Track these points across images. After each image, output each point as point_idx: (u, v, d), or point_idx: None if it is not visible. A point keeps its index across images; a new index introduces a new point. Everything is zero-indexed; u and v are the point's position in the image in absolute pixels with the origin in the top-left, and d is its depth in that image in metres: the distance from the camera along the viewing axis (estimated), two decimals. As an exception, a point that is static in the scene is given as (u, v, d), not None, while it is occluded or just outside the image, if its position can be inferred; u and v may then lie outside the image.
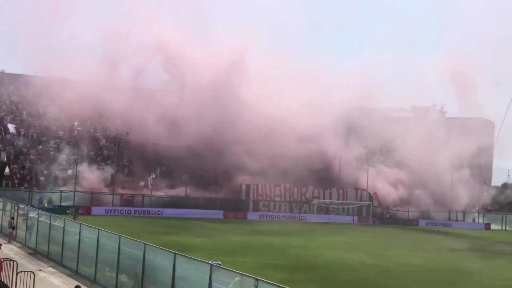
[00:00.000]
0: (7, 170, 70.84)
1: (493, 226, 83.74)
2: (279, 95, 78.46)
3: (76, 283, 25.56)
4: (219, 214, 69.97)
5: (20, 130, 71.88)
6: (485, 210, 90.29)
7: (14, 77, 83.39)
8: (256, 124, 73.10)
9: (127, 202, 68.87)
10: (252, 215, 72.89)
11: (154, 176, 71.52)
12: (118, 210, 65.64)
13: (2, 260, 22.06)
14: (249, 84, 77.30)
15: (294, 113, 76.71)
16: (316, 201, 78.40)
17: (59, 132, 76.59)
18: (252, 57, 78.58)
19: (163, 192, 71.75)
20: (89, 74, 77.52)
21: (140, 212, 66.53)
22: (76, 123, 77.40)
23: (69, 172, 68.32)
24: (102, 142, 78.09)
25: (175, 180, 73.39)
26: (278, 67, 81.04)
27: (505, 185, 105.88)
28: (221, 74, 75.35)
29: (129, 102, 74.29)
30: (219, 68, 76.04)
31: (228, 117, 73.50)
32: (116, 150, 71.52)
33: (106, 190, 68.43)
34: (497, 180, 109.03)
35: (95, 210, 63.26)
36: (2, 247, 25.63)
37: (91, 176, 68.67)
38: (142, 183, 72.66)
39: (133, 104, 74.36)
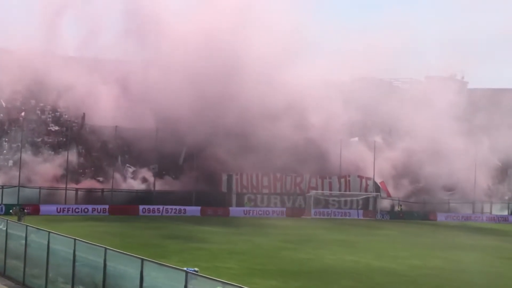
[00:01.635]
0: None
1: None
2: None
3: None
4: (195, 211, 69.98)
5: None
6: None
7: None
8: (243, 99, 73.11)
9: (84, 199, 68.66)
10: (235, 211, 73.06)
11: (128, 167, 71.72)
12: (72, 208, 65.50)
13: None
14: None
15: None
16: (312, 192, 78.52)
17: (-1, 114, 76.25)
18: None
19: (127, 186, 71.67)
20: (32, 41, 77.20)
21: (99, 211, 66.28)
22: (18, 103, 77.00)
23: (11, 162, 67.99)
24: (52, 126, 77.55)
25: (141, 171, 73.35)
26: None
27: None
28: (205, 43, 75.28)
29: (83, 75, 73.93)
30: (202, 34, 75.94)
31: (211, 94, 73.22)
32: (70, 136, 71.20)
33: (58, 184, 68.17)
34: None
35: (44, 208, 63.10)
36: None
37: (40, 167, 68.49)
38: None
39: (88, 79, 73.95)
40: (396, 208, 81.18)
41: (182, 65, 74.44)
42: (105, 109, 72.48)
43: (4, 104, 76.63)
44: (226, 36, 76.59)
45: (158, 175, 72.26)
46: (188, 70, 73.80)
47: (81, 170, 72.79)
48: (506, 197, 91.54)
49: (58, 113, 79.60)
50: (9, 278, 29.71)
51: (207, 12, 79.80)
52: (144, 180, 72.70)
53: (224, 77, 73.96)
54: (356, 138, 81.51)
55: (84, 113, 76.31)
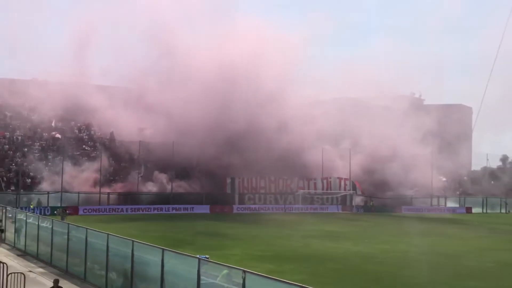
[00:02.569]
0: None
1: (474, 210, 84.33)
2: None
3: (68, 283, 25.46)
4: (205, 209, 69.89)
5: (5, 133, 71.40)
6: (466, 194, 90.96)
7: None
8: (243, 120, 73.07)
9: (116, 200, 68.69)
10: (238, 208, 72.92)
11: (141, 173, 71.61)
12: (106, 208, 65.43)
13: (-9, 263, 21.93)
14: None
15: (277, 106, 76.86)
16: (300, 191, 78.54)
17: (44, 134, 76.25)
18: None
19: (149, 189, 71.67)
20: (67, 73, 77.35)
21: (129, 210, 66.14)
22: (59, 124, 77.11)
23: (55, 173, 68.01)
24: (87, 141, 77.82)
25: (161, 177, 73.33)
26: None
27: (484, 169, 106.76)
28: (220, 71, 74.89)
29: (111, 99, 74.04)
30: (215, 63, 75.60)
31: (219, 116, 73.08)
32: (102, 149, 71.32)
33: (93, 189, 68.10)
34: (477, 164, 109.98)
35: (82, 209, 63.03)
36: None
37: (78, 176, 68.51)
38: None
39: (115, 103, 74.06)
40: (368, 203, 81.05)
41: (197, 91, 74.00)
42: (130, 128, 72.57)
43: (50, 125, 76.83)
44: (240, 65, 76.37)
45: (174, 180, 72.13)
46: (202, 97, 73.39)
47: (112, 177, 72.77)
48: (458, 192, 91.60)
49: (92, 131, 79.66)
50: (55, 266, 29.61)
51: (224, 45, 79.74)
52: (163, 184, 72.59)
53: (229, 102, 73.73)
54: (328, 146, 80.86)
55: (112, 131, 76.57)
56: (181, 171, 73.36)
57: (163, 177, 73.05)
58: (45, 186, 66.58)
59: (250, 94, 75.09)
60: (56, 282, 20.09)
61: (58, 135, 75.47)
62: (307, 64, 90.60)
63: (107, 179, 71.15)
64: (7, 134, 71.56)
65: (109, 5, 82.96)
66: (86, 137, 78.90)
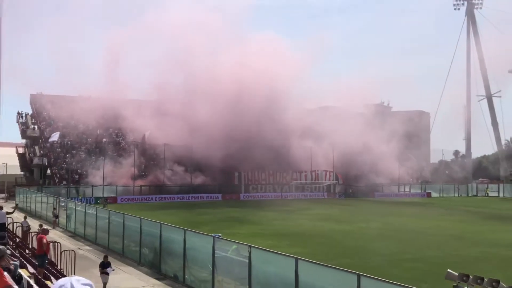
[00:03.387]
0: (48, 171, 70.70)
1: (433, 195, 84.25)
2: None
3: (110, 258, 25.47)
4: (218, 197, 69.86)
5: (58, 139, 71.68)
6: (426, 182, 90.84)
7: (51, 98, 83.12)
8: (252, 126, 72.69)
9: (147, 191, 68.69)
10: (244, 196, 72.89)
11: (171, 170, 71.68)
12: (139, 198, 65.41)
13: (49, 242, 22.08)
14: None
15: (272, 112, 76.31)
16: (294, 182, 78.56)
17: (88, 139, 76.41)
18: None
19: (173, 182, 71.68)
20: (103, 88, 77.53)
21: (157, 199, 66.03)
22: (100, 131, 77.27)
23: (98, 170, 68.22)
24: (123, 144, 77.79)
25: (181, 171, 73.24)
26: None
27: (440, 162, 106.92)
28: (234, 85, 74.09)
29: (143, 110, 73.76)
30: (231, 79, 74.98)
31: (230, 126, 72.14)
32: (135, 151, 71.38)
33: (128, 182, 68.16)
34: (434, 158, 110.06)
35: (120, 199, 63.05)
36: (49, 232, 25.54)
37: (116, 172, 68.65)
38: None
39: (147, 113, 73.70)
40: (348, 190, 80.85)
41: (214, 103, 73.68)
42: (158, 133, 72.46)
43: (94, 132, 76.89)
44: (249, 80, 75.45)
45: (193, 173, 72.06)
46: (218, 108, 72.80)
47: (143, 173, 72.78)
48: (419, 181, 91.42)
49: (127, 136, 79.63)
50: (99, 244, 29.71)
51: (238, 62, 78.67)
52: (183, 177, 72.48)
53: (240, 111, 73.03)
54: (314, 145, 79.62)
55: (144, 135, 76.52)
56: (198, 167, 73.21)
57: (182, 171, 72.84)
58: (90, 180, 66.78)
59: (257, 106, 74.30)
60: (105, 257, 20.25)
61: (104, 139, 75.57)
62: (301, 78, 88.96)
63: (140, 174, 71.18)
64: (59, 140, 71.63)
65: (136, 29, 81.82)
66: (122, 141, 78.87)
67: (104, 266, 19.26)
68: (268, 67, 77.85)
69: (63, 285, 4.36)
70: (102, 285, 19.00)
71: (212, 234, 20.31)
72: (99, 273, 19.27)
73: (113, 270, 19.77)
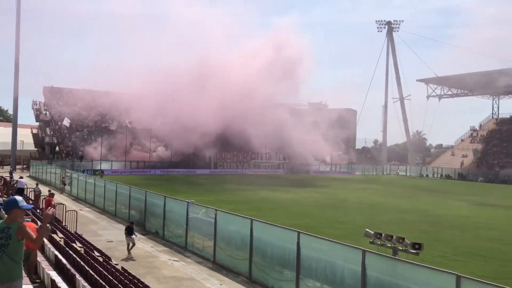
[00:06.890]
0: (57, 148, 68.77)
1: (357, 173, 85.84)
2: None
3: (104, 217, 24.93)
4: (193, 171, 69.10)
5: (73, 125, 69.17)
6: (352, 163, 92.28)
7: (60, 90, 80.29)
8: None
9: (135, 166, 67.25)
10: (213, 171, 72.49)
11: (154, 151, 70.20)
12: (129, 171, 64.22)
13: (55, 204, 21.75)
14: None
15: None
16: (252, 161, 78.58)
17: (89, 123, 74.41)
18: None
19: (157, 158, 70.45)
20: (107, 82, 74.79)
21: (143, 172, 64.77)
22: (98, 117, 75.28)
23: (97, 148, 66.51)
24: (113, 128, 75.17)
25: (165, 151, 71.98)
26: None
27: (363, 148, 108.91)
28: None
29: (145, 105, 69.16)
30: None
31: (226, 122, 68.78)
32: (126, 133, 69.60)
33: (119, 158, 66.53)
34: (359, 145, 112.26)
35: (112, 171, 61.56)
36: (55, 196, 24.91)
37: (110, 150, 67.15)
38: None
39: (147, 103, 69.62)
40: (293, 168, 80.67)
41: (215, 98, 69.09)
42: (148, 119, 69.20)
43: (94, 119, 74.35)
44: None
45: (173, 154, 70.69)
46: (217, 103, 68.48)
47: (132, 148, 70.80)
48: (347, 162, 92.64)
49: (118, 122, 76.47)
50: (96, 207, 29.16)
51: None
52: (165, 155, 70.78)
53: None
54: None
55: (130, 121, 73.66)
56: (177, 150, 71.18)
57: (164, 150, 71.13)
58: (90, 153, 65.14)
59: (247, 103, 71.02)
60: (131, 223, 18.38)
61: (112, 127, 72.85)
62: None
63: (128, 151, 69.06)
64: (69, 124, 68.73)
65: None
66: (114, 125, 75.46)
67: (129, 230, 17.70)
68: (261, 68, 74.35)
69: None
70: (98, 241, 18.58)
71: (187, 200, 20.16)
72: (124, 235, 17.83)
73: (136, 236, 18.34)
